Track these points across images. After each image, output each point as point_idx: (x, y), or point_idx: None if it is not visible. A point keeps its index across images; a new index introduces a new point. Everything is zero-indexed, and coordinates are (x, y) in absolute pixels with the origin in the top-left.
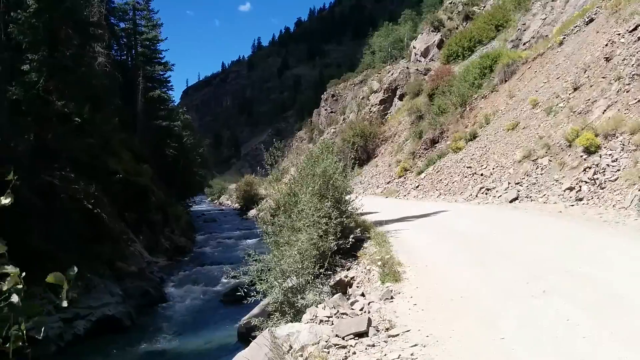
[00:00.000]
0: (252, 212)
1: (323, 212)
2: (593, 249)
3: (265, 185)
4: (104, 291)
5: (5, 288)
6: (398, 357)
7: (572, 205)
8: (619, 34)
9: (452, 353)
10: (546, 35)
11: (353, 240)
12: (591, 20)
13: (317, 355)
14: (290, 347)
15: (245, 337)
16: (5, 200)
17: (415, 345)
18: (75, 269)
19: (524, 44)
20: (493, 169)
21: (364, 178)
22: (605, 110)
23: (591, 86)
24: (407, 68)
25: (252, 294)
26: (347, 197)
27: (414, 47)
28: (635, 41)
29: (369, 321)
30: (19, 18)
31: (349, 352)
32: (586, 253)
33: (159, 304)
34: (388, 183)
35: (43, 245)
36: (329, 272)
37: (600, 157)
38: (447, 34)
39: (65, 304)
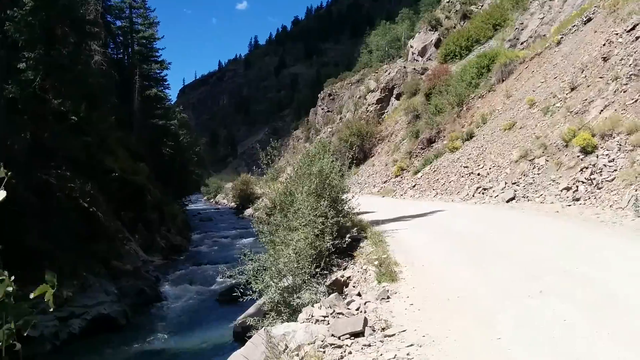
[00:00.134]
0: (248, 211)
1: (319, 212)
2: (590, 249)
3: (261, 184)
4: (100, 290)
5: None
6: (394, 357)
7: (569, 206)
8: (617, 34)
9: (448, 353)
10: (544, 35)
11: (349, 239)
12: (589, 19)
13: (313, 354)
14: (286, 346)
15: (241, 336)
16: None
17: (412, 345)
18: (55, 279)
19: (522, 43)
20: (490, 168)
21: (360, 177)
22: (602, 110)
23: (588, 86)
24: (404, 67)
25: (248, 293)
26: (343, 197)
27: (412, 46)
28: (633, 41)
29: (365, 321)
30: (15, 16)
31: (344, 351)
32: (583, 253)
33: (154, 303)
34: (385, 182)
35: (39, 243)
36: (325, 272)
37: (597, 157)
38: (445, 33)
39: (51, 308)
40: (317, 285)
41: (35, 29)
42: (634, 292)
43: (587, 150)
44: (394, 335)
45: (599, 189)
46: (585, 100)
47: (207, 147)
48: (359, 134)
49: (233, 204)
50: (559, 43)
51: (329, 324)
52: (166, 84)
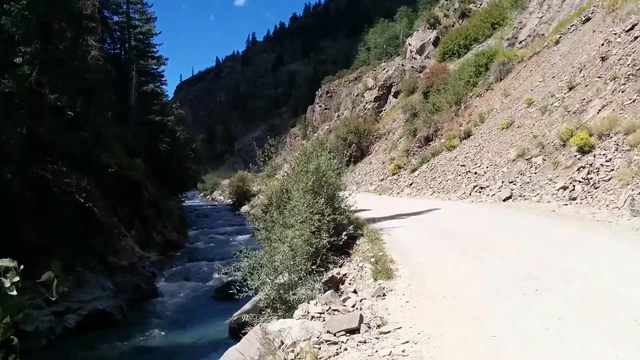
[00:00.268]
0: (245, 208)
1: (316, 209)
2: (586, 248)
3: (258, 181)
4: (95, 285)
5: (8, 284)
6: (389, 354)
7: (565, 205)
8: (616, 34)
9: (443, 350)
10: (542, 34)
11: (346, 237)
12: (588, 19)
13: (309, 351)
14: (282, 342)
15: (237, 332)
16: None
17: (407, 342)
18: (60, 267)
19: (520, 42)
20: (487, 167)
21: (357, 175)
22: (600, 110)
23: (586, 86)
24: (402, 65)
25: (244, 290)
26: (340, 194)
27: (410, 44)
28: (631, 41)
29: (361, 318)
30: (12, 10)
31: (340, 348)
32: (578, 252)
33: (150, 299)
34: (382, 180)
35: (36, 239)
36: (321, 269)
37: (594, 156)
38: (443, 31)
39: (55, 297)
40: (313, 282)
41: (31, 24)
42: (629, 290)
43: (584, 150)
44: (389, 332)
45: (596, 188)
46: (583, 99)
47: (204, 144)
48: (357, 131)
49: (230, 200)
50: (557, 42)
51: (324, 320)
52: (163, 79)
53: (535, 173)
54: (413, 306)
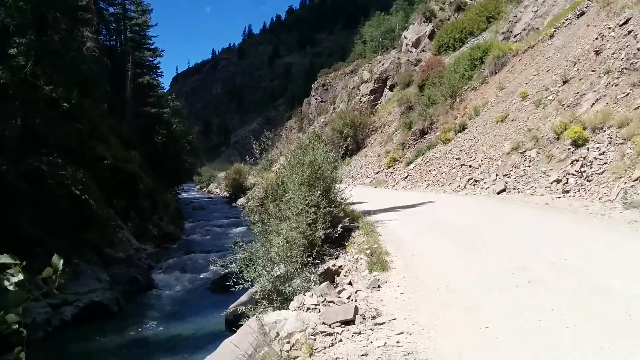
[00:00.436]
0: (241, 201)
1: (312, 201)
2: (578, 241)
3: (254, 173)
4: (92, 277)
5: (11, 284)
6: (384, 345)
7: (558, 198)
8: (610, 28)
9: (437, 341)
10: (537, 28)
11: (341, 229)
12: (582, 13)
13: (304, 342)
14: (277, 334)
15: (233, 324)
16: None
17: (401, 333)
18: (61, 262)
19: (515, 36)
20: (481, 160)
21: (353, 168)
22: (593, 104)
23: (580, 79)
24: (398, 58)
25: (240, 282)
26: (336, 187)
27: (405, 38)
28: (625, 35)
29: (356, 309)
30: (6, 1)
31: (335, 339)
32: (571, 244)
33: (146, 291)
34: (377, 173)
35: (31, 230)
36: (317, 261)
37: (588, 150)
38: (439, 24)
39: (56, 293)
40: (309, 274)
41: (26, 14)
42: (621, 283)
43: (578, 143)
44: (384, 323)
45: (589, 181)
46: (577, 93)
47: (200, 136)
48: (352, 124)
49: (226, 193)
50: (552, 36)
51: (320, 312)
52: (159, 71)
53: (529, 166)
54: (407, 298)
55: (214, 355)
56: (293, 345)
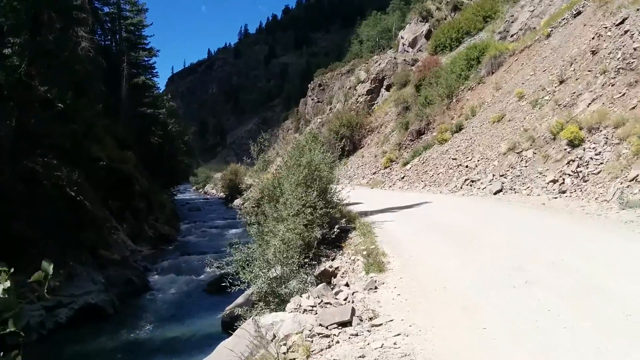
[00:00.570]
0: (237, 202)
1: (308, 202)
2: (575, 241)
3: (250, 174)
4: (87, 279)
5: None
6: (381, 346)
7: (555, 198)
8: (606, 28)
9: (434, 342)
10: (534, 28)
11: (338, 230)
12: (579, 13)
13: (301, 344)
14: (274, 336)
15: (229, 326)
16: None
17: (398, 334)
18: (51, 267)
19: (512, 35)
20: (478, 160)
21: (349, 169)
22: (590, 104)
23: (577, 79)
24: (395, 58)
25: (237, 283)
26: (333, 188)
27: (402, 37)
28: (621, 35)
29: (353, 311)
30: (0, 0)
31: (332, 341)
32: (568, 245)
33: (142, 293)
34: (374, 174)
35: (26, 231)
36: (313, 262)
37: (584, 150)
38: (435, 24)
39: (47, 297)
40: (306, 276)
41: (20, 14)
42: (617, 283)
43: (574, 143)
44: (381, 324)
45: (585, 181)
46: (574, 93)
47: (196, 137)
48: (349, 125)
49: (222, 194)
50: (548, 36)
51: (316, 313)
52: (154, 71)
53: (526, 166)
54: (404, 299)
55: (210, 358)
56: (290, 347)
